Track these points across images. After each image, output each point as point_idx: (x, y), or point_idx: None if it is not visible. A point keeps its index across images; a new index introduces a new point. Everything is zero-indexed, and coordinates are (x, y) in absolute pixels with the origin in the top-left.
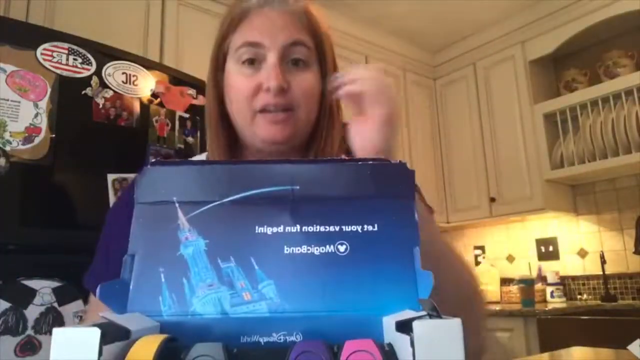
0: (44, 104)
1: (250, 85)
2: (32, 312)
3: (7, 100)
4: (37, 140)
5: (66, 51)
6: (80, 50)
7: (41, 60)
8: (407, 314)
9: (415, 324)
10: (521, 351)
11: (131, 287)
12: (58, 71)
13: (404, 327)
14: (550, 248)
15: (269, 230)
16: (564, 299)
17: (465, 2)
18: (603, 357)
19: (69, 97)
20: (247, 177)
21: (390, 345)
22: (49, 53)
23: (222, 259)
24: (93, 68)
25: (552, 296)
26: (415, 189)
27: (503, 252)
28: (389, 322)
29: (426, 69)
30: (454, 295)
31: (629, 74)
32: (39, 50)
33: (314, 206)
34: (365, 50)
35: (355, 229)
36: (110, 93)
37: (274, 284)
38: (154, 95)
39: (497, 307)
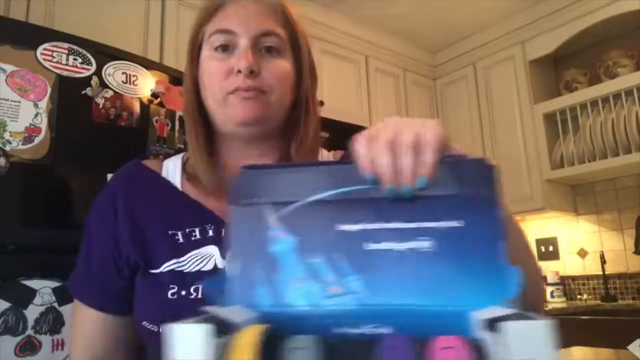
0: (44, 104)
1: (222, 68)
2: (32, 312)
3: (7, 100)
4: (37, 140)
5: (66, 51)
6: (80, 50)
7: (41, 60)
8: (496, 310)
9: (508, 324)
10: None
11: (230, 282)
12: (58, 71)
13: (495, 325)
14: (550, 248)
15: (353, 228)
16: (564, 299)
17: (465, 2)
18: (603, 357)
19: (69, 97)
20: (330, 177)
21: (480, 342)
22: (49, 53)
23: (311, 255)
24: (93, 68)
25: (552, 296)
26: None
27: None
28: (477, 319)
29: (426, 69)
30: (531, 290)
31: (629, 74)
32: (39, 50)
33: (396, 203)
34: (365, 50)
35: (440, 225)
36: (110, 93)
37: (361, 279)
38: (154, 95)
39: None
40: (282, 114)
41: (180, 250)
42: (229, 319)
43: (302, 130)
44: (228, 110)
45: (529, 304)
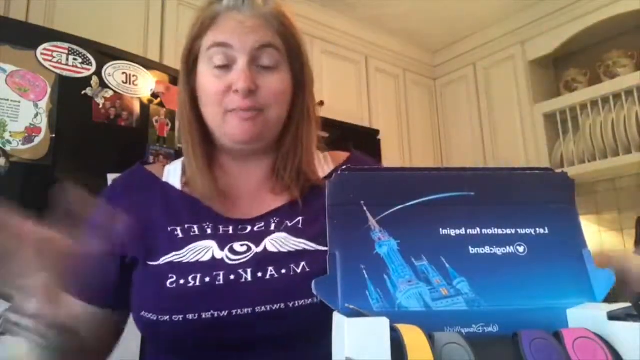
0: (44, 104)
1: (220, 86)
2: None
3: (7, 100)
4: (37, 140)
5: (66, 51)
6: (80, 50)
7: (41, 60)
8: (590, 306)
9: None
10: None
11: (339, 283)
12: (58, 71)
13: (620, 317)
14: None
15: (453, 232)
16: None
17: (465, 2)
18: None
19: (69, 97)
20: (428, 183)
21: (602, 335)
22: (49, 53)
23: (415, 258)
24: (93, 68)
25: None
26: None
27: None
28: (576, 314)
29: (426, 69)
30: None
31: (629, 74)
32: (39, 50)
33: (490, 210)
34: (365, 50)
35: (529, 232)
36: (110, 93)
37: (466, 281)
38: (154, 95)
39: None
40: (279, 128)
41: (179, 244)
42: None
43: (297, 139)
44: (226, 128)
45: None
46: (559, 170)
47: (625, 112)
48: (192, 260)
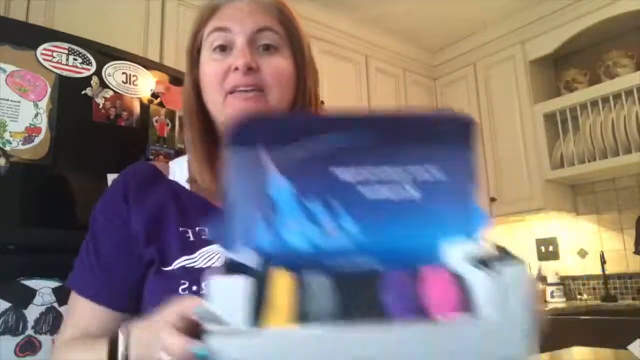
0: (44, 104)
1: (220, 68)
2: (32, 312)
3: (7, 100)
4: (37, 140)
5: (66, 51)
6: (80, 50)
7: (41, 60)
8: (469, 244)
9: (501, 266)
10: None
11: (234, 224)
12: (58, 71)
13: (481, 263)
14: (550, 248)
15: (347, 175)
16: (563, 299)
17: (465, 2)
18: (603, 357)
19: (69, 97)
20: (325, 125)
21: (459, 268)
22: (49, 53)
23: (308, 199)
24: (93, 68)
25: (552, 296)
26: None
27: None
28: (454, 250)
29: (426, 69)
30: None
31: (629, 74)
32: (39, 50)
33: (386, 152)
34: (365, 50)
35: (423, 174)
36: (110, 93)
37: (354, 222)
38: (154, 95)
39: None
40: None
41: (191, 248)
42: (247, 264)
43: None
44: (227, 110)
45: None
46: (461, 111)
47: (625, 112)
48: (204, 266)
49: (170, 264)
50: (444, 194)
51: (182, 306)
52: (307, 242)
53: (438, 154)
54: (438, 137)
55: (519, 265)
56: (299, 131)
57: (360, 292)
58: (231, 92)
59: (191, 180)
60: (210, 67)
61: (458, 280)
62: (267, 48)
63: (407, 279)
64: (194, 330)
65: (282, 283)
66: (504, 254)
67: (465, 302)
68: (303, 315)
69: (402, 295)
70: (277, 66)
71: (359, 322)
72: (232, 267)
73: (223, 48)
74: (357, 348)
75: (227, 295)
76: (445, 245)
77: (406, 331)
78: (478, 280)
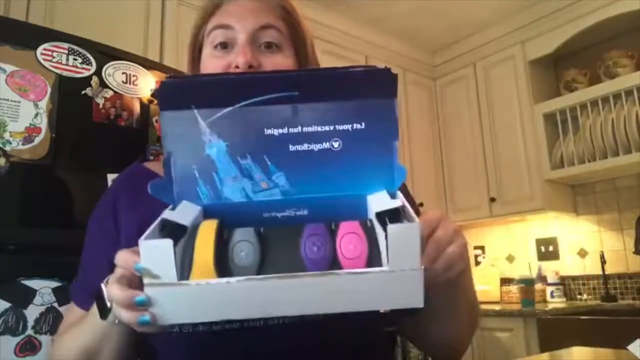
0: (44, 104)
1: (220, 65)
2: (32, 312)
3: (7, 100)
4: (37, 140)
5: (66, 51)
6: (80, 50)
7: (41, 60)
8: (385, 198)
9: (395, 225)
10: (521, 351)
11: (174, 182)
12: (58, 71)
13: (382, 219)
14: (550, 248)
15: (276, 132)
16: (564, 299)
17: (465, 2)
18: (603, 357)
19: (69, 97)
20: (254, 86)
21: (372, 223)
22: (49, 53)
23: (241, 157)
24: (93, 68)
25: (552, 296)
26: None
27: (503, 252)
28: (372, 202)
29: (426, 69)
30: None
31: (629, 74)
32: (39, 50)
33: (311, 108)
34: (365, 50)
35: (346, 128)
36: (110, 93)
37: (284, 175)
38: (154, 95)
39: (497, 307)
40: None
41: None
42: (181, 221)
43: None
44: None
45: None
46: (383, 66)
47: (625, 112)
48: None
49: None
50: (363, 144)
51: (125, 263)
52: (241, 195)
53: (359, 106)
54: (360, 90)
55: (411, 224)
56: (229, 92)
57: (281, 246)
58: None
59: None
60: (211, 63)
61: (368, 234)
62: (269, 46)
63: (325, 234)
64: (134, 283)
65: (209, 238)
66: (404, 212)
67: (371, 255)
68: (224, 269)
69: (318, 250)
70: (279, 64)
71: (273, 274)
72: (166, 227)
73: (224, 45)
74: (269, 297)
75: (156, 256)
76: (365, 196)
77: (315, 281)
78: (382, 236)
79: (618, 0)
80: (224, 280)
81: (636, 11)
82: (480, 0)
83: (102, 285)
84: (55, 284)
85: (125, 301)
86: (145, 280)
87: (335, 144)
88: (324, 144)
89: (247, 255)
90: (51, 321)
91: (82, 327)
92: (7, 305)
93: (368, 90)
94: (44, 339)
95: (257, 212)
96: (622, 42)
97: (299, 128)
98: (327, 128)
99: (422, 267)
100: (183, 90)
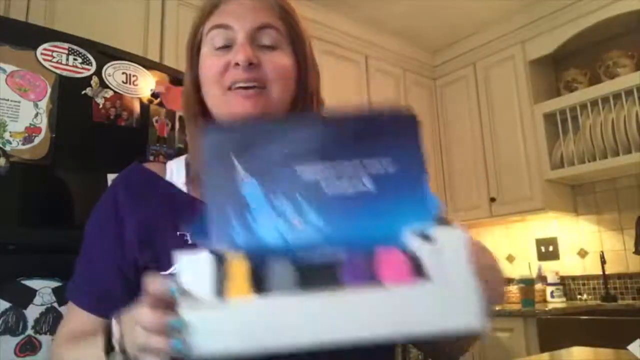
0: (44, 104)
1: (220, 63)
2: (32, 312)
3: (7, 100)
4: (37, 140)
5: (66, 51)
6: (80, 50)
7: (41, 60)
8: (421, 226)
9: (437, 232)
10: (521, 351)
11: (212, 225)
12: (58, 71)
13: (426, 237)
14: (550, 248)
15: (309, 172)
16: (564, 299)
17: (465, 2)
18: (603, 357)
19: (69, 97)
20: (286, 128)
21: (414, 250)
22: (49, 53)
23: (274, 196)
24: (93, 68)
25: (552, 296)
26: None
27: (503, 252)
28: (409, 234)
29: (426, 69)
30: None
31: (629, 74)
32: (39, 50)
33: (343, 150)
34: (365, 50)
35: (378, 170)
36: (110, 93)
37: (318, 215)
38: (154, 95)
39: (497, 307)
40: (283, 110)
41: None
42: (220, 252)
43: None
44: (227, 107)
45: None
46: (405, 109)
47: (625, 112)
48: None
49: (167, 269)
50: (396, 184)
51: (153, 287)
52: (277, 236)
53: (389, 148)
54: (387, 133)
55: (453, 230)
56: (262, 136)
57: (320, 272)
58: (230, 87)
59: (192, 180)
60: (211, 61)
61: (409, 256)
62: (268, 45)
63: (363, 260)
64: (166, 307)
65: (241, 264)
66: (442, 224)
67: (416, 273)
68: (262, 288)
69: (357, 272)
70: (278, 62)
71: (314, 292)
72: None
73: (223, 45)
74: (312, 314)
75: (194, 270)
76: (401, 230)
77: (358, 296)
78: (425, 253)
79: (618, 0)
80: (266, 297)
81: (636, 11)
82: (480, 0)
83: (113, 321)
84: (55, 284)
85: (158, 325)
86: (181, 301)
87: (369, 185)
88: (358, 185)
89: (284, 277)
90: (51, 321)
91: (84, 349)
92: (7, 305)
93: (395, 132)
94: (44, 339)
95: (292, 253)
96: (622, 42)
97: (331, 168)
98: (358, 168)
99: (475, 275)
100: (222, 138)
